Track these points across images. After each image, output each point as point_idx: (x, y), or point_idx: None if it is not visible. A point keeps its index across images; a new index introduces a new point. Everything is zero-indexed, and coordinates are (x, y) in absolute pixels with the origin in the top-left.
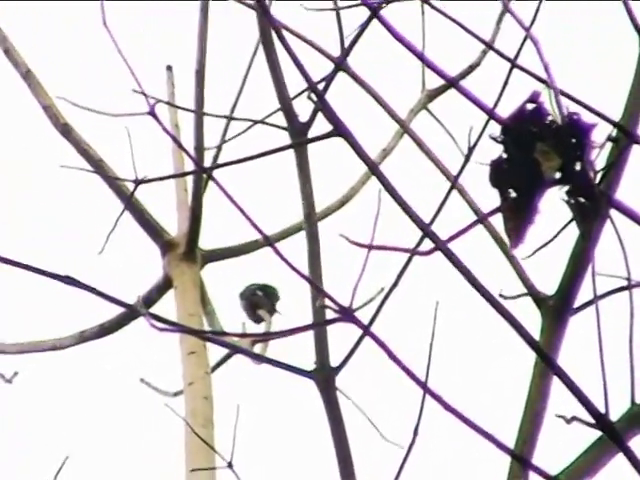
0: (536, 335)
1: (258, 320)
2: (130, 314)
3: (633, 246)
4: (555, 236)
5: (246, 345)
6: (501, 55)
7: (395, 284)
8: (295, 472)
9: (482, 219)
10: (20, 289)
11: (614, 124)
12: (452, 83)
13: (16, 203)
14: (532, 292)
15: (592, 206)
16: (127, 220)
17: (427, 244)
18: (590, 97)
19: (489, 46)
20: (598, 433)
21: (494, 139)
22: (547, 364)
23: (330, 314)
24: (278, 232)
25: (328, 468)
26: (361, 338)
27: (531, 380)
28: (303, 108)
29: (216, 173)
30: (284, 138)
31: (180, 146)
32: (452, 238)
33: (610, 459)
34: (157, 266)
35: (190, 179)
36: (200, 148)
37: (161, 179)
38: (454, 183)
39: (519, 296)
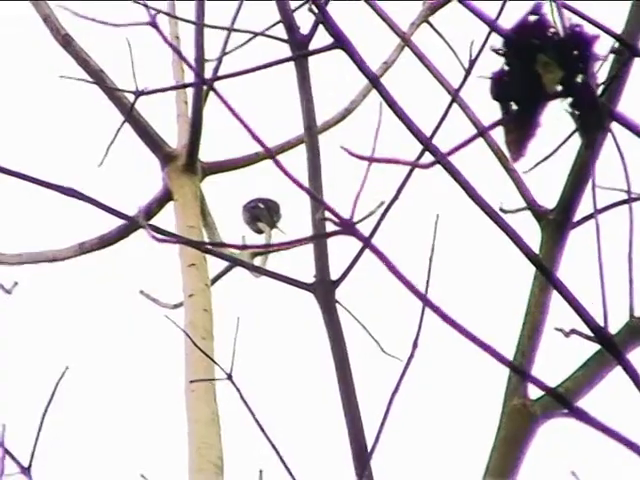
0: (536, 249)
1: (259, 232)
2: (130, 226)
3: (634, 159)
4: (555, 150)
5: (246, 258)
6: None
7: (395, 197)
8: (294, 385)
9: (482, 132)
10: (20, 200)
11: (616, 37)
12: None
13: (16, 114)
14: (532, 206)
15: (594, 117)
16: (127, 132)
17: (428, 157)
18: (592, 10)
19: None
20: (597, 346)
21: (495, 51)
22: (546, 278)
23: (330, 227)
24: (279, 145)
25: (327, 381)
26: (361, 251)
27: (530, 293)
28: (304, 21)
29: (217, 85)
30: (285, 50)
31: (181, 57)
32: (452, 151)
33: (608, 372)
34: (157, 178)
35: (190, 91)
36: (201, 60)
37: (161, 90)
38: (455, 97)
39: (519, 210)
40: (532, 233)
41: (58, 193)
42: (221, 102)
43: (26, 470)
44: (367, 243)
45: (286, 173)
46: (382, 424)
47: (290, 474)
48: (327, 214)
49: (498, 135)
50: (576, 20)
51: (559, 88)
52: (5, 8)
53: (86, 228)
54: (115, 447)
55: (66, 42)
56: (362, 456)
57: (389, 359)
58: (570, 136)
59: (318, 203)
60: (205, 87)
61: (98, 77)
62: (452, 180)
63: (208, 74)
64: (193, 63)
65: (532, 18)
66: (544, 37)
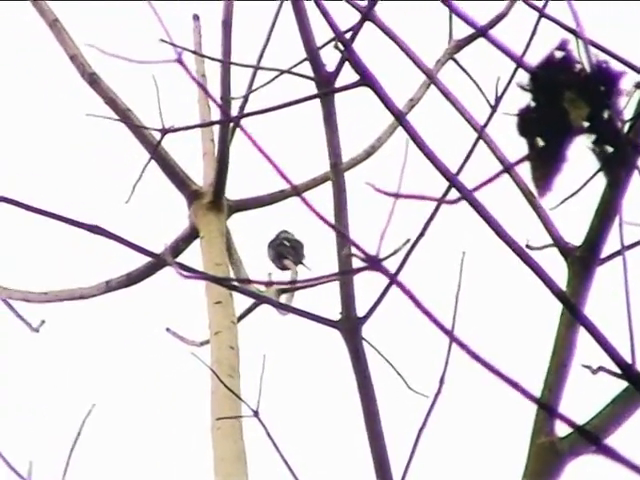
0: (563, 285)
1: (285, 269)
2: (157, 263)
3: None
4: (582, 186)
5: (272, 295)
6: (530, 4)
7: (422, 234)
8: (320, 422)
9: (508, 168)
10: (47, 238)
11: None
12: (481, 32)
13: (43, 153)
14: (559, 243)
15: (619, 154)
16: (153, 170)
17: (454, 194)
18: (619, 46)
19: None
20: (624, 384)
21: (522, 87)
22: (573, 314)
23: (357, 263)
24: (305, 182)
25: (354, 418)
26: (388, 287)
27: (557, 330)
28: (330, 58)
29: (243, 123)
30: (311, 88)
31: (207, 94)
32: (478, 187)
33: (636, 410)
34: (183, 216)
35: (217, 129)
36: (227, 98)
37: (188, 128)
38: (481, 133)
39: (545, 247)
40: (559, 270)
41: (84, 231)
42: (248, 139)
43: None
44: (393, 279)
45: (312, 210)
46: (409, 462)
47: None
48: (353, 250)
49: (524, 171)
50: (603, 56)
51: (586, 124)
52: (33, 48)
53: (112, 266)
54: None
55: (93, 81)
56: None
57: (416, 396)
58: (596, 174)
59: (344, 239)
60: (231, 124)
61: (124, 115)
62: (478, 216)
63: (234, 111)
64: (219, 100)
65: (558, 54)
66: (570, 73)
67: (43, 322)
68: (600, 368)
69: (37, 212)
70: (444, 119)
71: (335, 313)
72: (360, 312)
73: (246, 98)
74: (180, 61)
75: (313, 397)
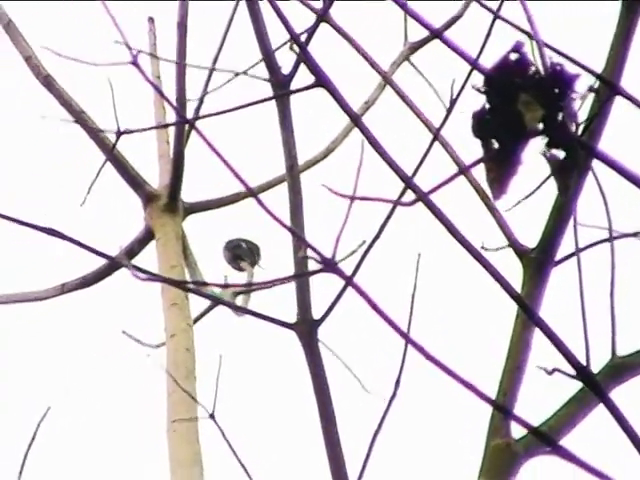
0: (518, 287)
1: (241, 270)
2: (112, 266)
3: (615, 197)
4: (537, 188)
5: (228, 297)
6: (484, 6)
7: (377, 235)
8: (276, 424)
9: (464, 170)
10: (2, 240)
11: (597, 76)
12: (435, 34)
13: None
14: (514, 244)
15: (570, 159)
16: (109, 172)
17: (409, 195)
18: (573, 49)
19: None
20: (579, 385)
21: (477, 89)
22: (529, 316)
23: (312, 265)
24: (261, 184)
25: (310, 419)
26: (343, 289)
27: (513, 332)
28: (286, 60)
29: (198, 125)
30: (267, 90)
31: (162, 96)
32: (434, 189)
33: (591, 410)
34: (139, 218)
35: (172, 131)
36: (182, 99)
37: (143, 130)
38: (436, 135)
39: (501, 248)
40: (514, 271)
41: (39, 233)
42: (203, 141)
43: None
44: (349, 281)
45: (268, 212)
46: (365, 463)
47: None
48: (309, 252)
49: (480, 173)
50: (557, 58)
51: (540, 126)
52: None
53: (68, 268)
54: None
55: (48, 83)
56: None
57: (372, 397)
58: (548, 178)
59: (300, 242)
60: (187, 126)
61: (80, 117)
62: (434, 218)
63: (190, 113)
64: (175, 102)
65: (513, 56)
66: (525, 75)
67: None
68: (555, 369)
69: None
70: (400, 121)
71: (291, 315)
72: (316, 314)
73: (201, 100)
74: (135, 63)
75: (269, 399)
